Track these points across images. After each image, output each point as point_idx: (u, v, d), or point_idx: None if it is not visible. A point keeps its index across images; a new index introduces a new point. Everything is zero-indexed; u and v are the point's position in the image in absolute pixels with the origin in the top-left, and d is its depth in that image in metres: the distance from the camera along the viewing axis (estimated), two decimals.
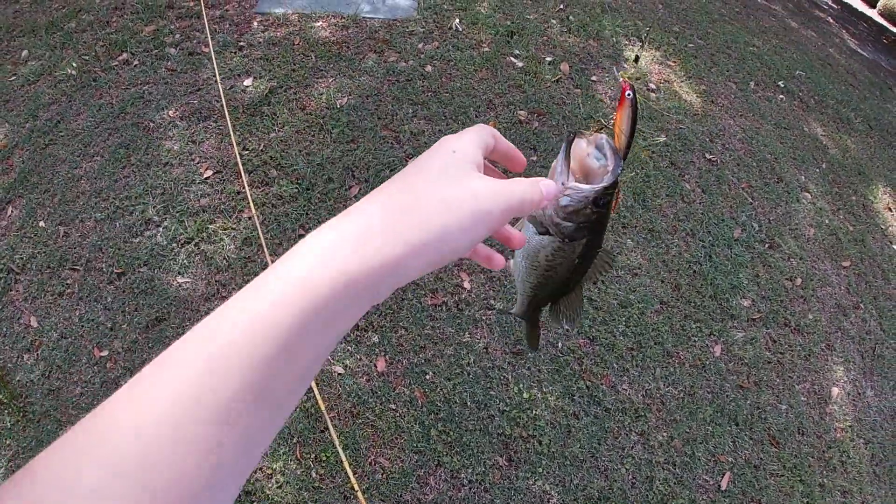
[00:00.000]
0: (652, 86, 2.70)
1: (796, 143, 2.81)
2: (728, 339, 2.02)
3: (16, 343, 1.79)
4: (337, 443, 1.32)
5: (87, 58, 2.43)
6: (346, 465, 1.47)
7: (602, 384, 1.82)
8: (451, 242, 0.31)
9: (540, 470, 1.68)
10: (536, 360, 1.81)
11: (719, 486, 1.77)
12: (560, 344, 1.85)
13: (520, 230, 0.48)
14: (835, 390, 2.06)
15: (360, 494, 1.27)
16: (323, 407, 1.52)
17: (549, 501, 1.66)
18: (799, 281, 2.26)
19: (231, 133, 2.11)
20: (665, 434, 1.82)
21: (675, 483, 1.77)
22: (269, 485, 1.61)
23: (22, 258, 1.90)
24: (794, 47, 3.59)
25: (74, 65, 2.39)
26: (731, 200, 2.34)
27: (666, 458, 1.79)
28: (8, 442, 1.68)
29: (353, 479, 1.47)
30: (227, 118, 2.13)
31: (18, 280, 1.87)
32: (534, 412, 1.73)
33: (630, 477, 1.74)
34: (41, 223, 1.98)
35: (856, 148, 3.05)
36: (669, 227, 2.18)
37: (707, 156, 2.45)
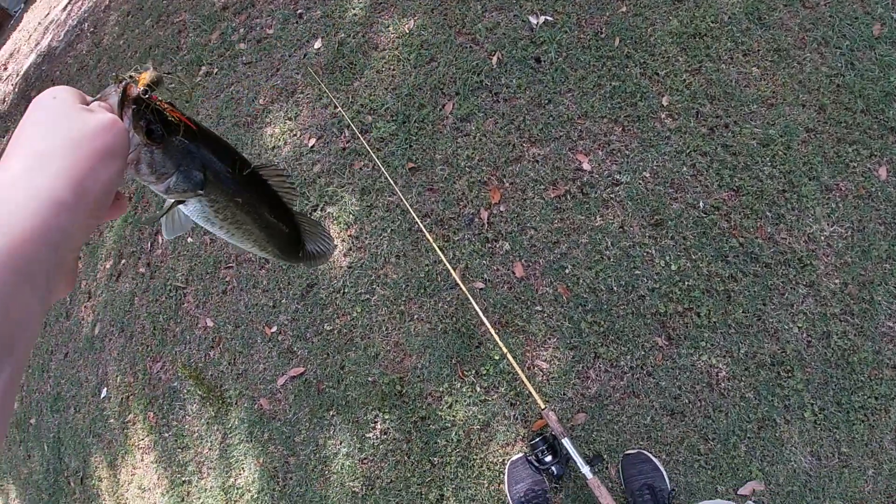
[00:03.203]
0: None
1: None
2: (893, 157, 1.68)
3: (200, 345, 1.97)
4: (501, 345, 1.25)
5: (173, 86, 2.49)
6: (514, 365, 1.39)
7: (757, 238, 1.59)
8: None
9: (703, 344, 1.53)
10: (679, 226, 1.60)
11: None
12: (702, 203, 1.62)
13: (180, 222, 0.48)
14: None
15: (533, 392, 1.20)
16: (483, 317, 1.45)
17: (717, 375, 1.53)
18: None
19: (327, 92, 2.10)
20: (837, 281, 1.59)
21: (855, 335, 1.55)
22: (440, 407, 1.62)
23: (183, 273, 2.09)
24: None
25: (166, 96, 2.45)
26: None
27: (842, 308, 1.57)
28: (216, 428, 1.90)
29: (523, 377, 1.40)
30: (319, 82, 2.08)
31: (186, 293, 2.07)
32: (686, 283, 1.55)
33: (804, 336, 1.55)
34: (189, 239, 2.14)
35: None
36: (797, 41, 1.79)
37: None
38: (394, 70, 1.98)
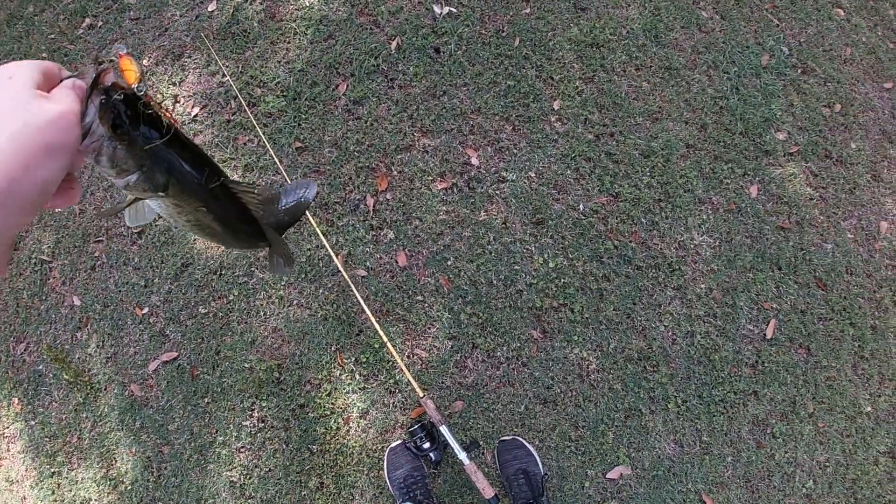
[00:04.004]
0: None
1: None
2: (764, 177, 1.83)
3: (66, 325, 1.83)
4: (382, 333, 1.24)
5: (53, 36, 2.23)
6: (394, 353, 1.39)
7: (631, 242, 1.67)
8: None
9: (575, 338, 1.59)
10: (559, 226, 1.66)
11: (764, 334, 1.68)
12: (581, 206, 1.69)
13: (144, 213, 0.48)
14: (884, 225, 1.89)
15: (412, 380, 1.20)
16: (365, 307, 1.43)
17: (588, 368, 1.60)
18: (838, 107, 2.01)
19: (216, 58, 1.97)
20: (703, 286, 1.71)
21: (717, 335, 1.68)
22: (319, 394, 1.59)
23: (49, 246, 1.91)
24: None
25: (44, 48, 2.20)
26: (754, 24, 2.04)
27: (706, 310, 1.69)
28: (85, 415, 1.76)
29: (402, 366, 1.40)
30: (210, 47, 1.94)
31: (52, 267, 1.90)
32: (562, 280, 1.61)
33: (669, 334, 1.65)
34: (57, 209, 1.94)
35: None
36: (688, 61, 1.91)
37: None
38: (289, 43, 1.91)
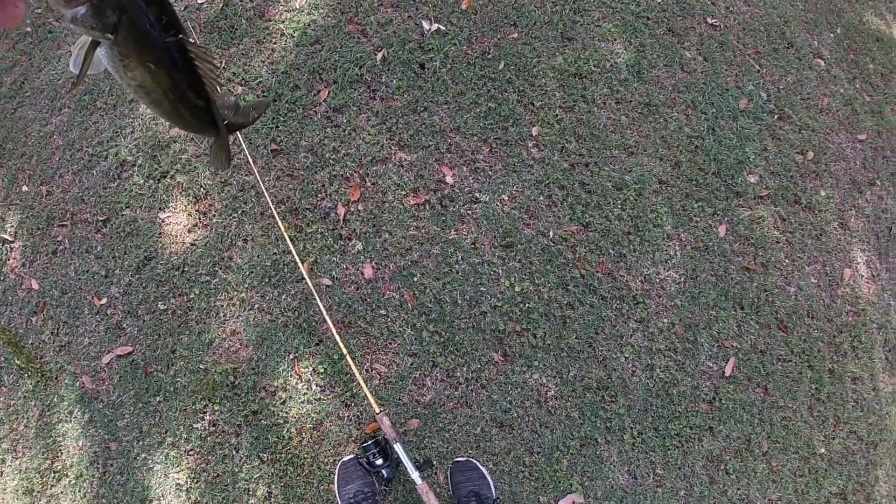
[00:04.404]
0: None
1: (808, 6, 2.49)
2: (733, 218, 1.87)
3: (22, 309, 1.79)
4: (342, 345, 1.23)
5: (39, 11, 2.22)
6: (352, 366, 1.37)
7: (598, 272, 1.69)
8: None
9: (536, 363, 1.60)
10: (527, 251, 1.67)
11: (723, 372, 1.71)
12: (551, 233, 1.70)
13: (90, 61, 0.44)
14: (847, 272, 1.94)
15: (369, 395, 1.19)
16: (327, 317, 1.42)
17: (546, 394, 1.60)
18: (811, 155, 2.07)
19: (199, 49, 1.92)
20: (666, 320, 1.73)
21: (676, 370, 1.70)
22: (274, 402, 1.57)
23: (12, 226, 1.87)
24: None
25: (28, 21, 2.17)
26: (736, 68, 2.09)
27: (667, 344, 1.71)
28: (33, 403, 1.71)
29: (360, 379, 1.38)
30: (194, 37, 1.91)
31: (13, 248, 1.86)
32: (527, 305, 1.62)
33: (630, 366, 1.66)
34: (24, 187, 1.91)
35: (873, 13, 2.73)
36: (668, 99, 1.95)
37: (709, 20, 2.16)
38: (275, 44, 1.91)
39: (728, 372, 1.71)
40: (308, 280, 1.35)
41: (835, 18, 2.56)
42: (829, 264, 1.95)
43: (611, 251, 1.71)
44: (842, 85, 2.33)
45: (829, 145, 2.14)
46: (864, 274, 1.97)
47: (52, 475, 1.67)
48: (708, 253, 1.82)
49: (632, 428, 1.63)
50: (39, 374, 1.72)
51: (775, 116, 2.09)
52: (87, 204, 1.82)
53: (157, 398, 1.62)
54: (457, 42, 1.87)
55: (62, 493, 1.65)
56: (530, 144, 1.79)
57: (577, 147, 1.80)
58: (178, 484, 1.58)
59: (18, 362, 1.75)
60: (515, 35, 1.90)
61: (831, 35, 2.48)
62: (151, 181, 1.79)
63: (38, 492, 1.65)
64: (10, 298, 1.79)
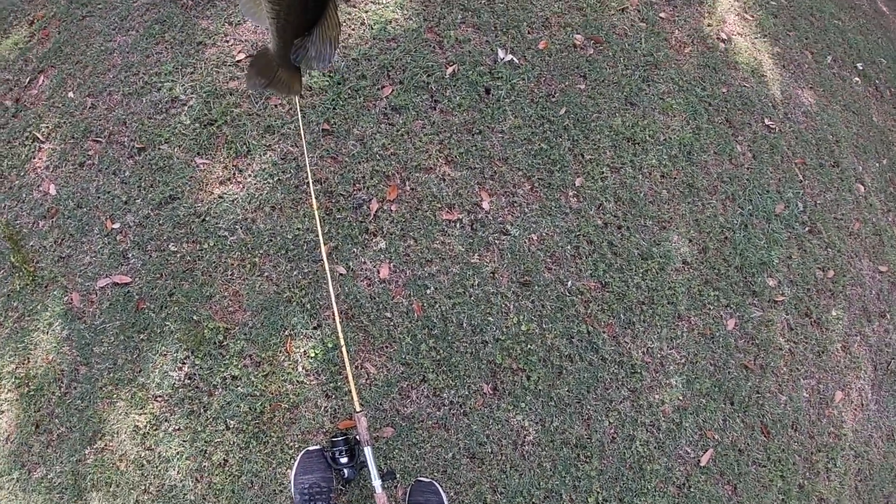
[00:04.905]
0: (723, 35, 2.40)
1: (861, 131, 2.55)
2: (744, 315, 1.88)
3: (33, 209, 1.77)
4: (341, 335, 1.22)
5: None
6: (346, 359, 1.36)
7: (604, 332, 1.69)
8: None
9: (523, 405, 1.58)
10: (542, 294, 1.67)
11: (699, 461, 1.70)
12: (570, 283, 1.71)
13: None
14: (839, 394, 1.95)
15: (353, 392, 1.18)
16: (334, 304, 1.40)
17: (525, 438, 1.58)
18: (831, 273, 2.10)
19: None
20: (657, 396, 1.72)
21: (655, 447, 1.68)
22: (256, 372, 1.55)
23: (48, 127, 1.86)
24: (880, 32, 3.22)
25: None
26: (780, 173, 2.13)
27: (652, 420, 1.70)
28: (16, 304, 1.69)
29: (349, 374, 1.37)
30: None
31: (42, 148, 1.85)
32: (528, 346, 1.61)
33: (611, 431, 1.65)
34: (70, 94, 1.91)
35: None
36: (710, 185, 1.98)
37: (766, 121, 2.21)
38: (353, 30, 1.93)
39: (704, 462, 1.70)
40: (326, 262, 1.35)
41: (884, 149, 2.62)
42: (824, 383, 1.95)
43: (622, 316, 1.72)
44: (875, 214, 2.37)
45: (851, 269, 2.17)
46: (855, 401, 1.98)
47: (14, 379, 1.64)
48: (713, 342, 1.82)
49: (598, 493, 1.61)
50: (30, 278, 1.70)
51: (806, 228, 2.12)
52: (128, 128, 1.82)
53: (141, 336, 1.59)
54: (526, 77, 1.91)
55: (17, 399, 1.61)
56: (571, 193, 1.81)
57: (615, 208, 1.82)
58: (137, 426, 1.54)
59: (13, 260, 1.73)
60: (582, 86, 1.94)
61: (877, 164, 2.53)
62: (198, 125, 1.79)
63: None
64: (23, 195, 1.77)
